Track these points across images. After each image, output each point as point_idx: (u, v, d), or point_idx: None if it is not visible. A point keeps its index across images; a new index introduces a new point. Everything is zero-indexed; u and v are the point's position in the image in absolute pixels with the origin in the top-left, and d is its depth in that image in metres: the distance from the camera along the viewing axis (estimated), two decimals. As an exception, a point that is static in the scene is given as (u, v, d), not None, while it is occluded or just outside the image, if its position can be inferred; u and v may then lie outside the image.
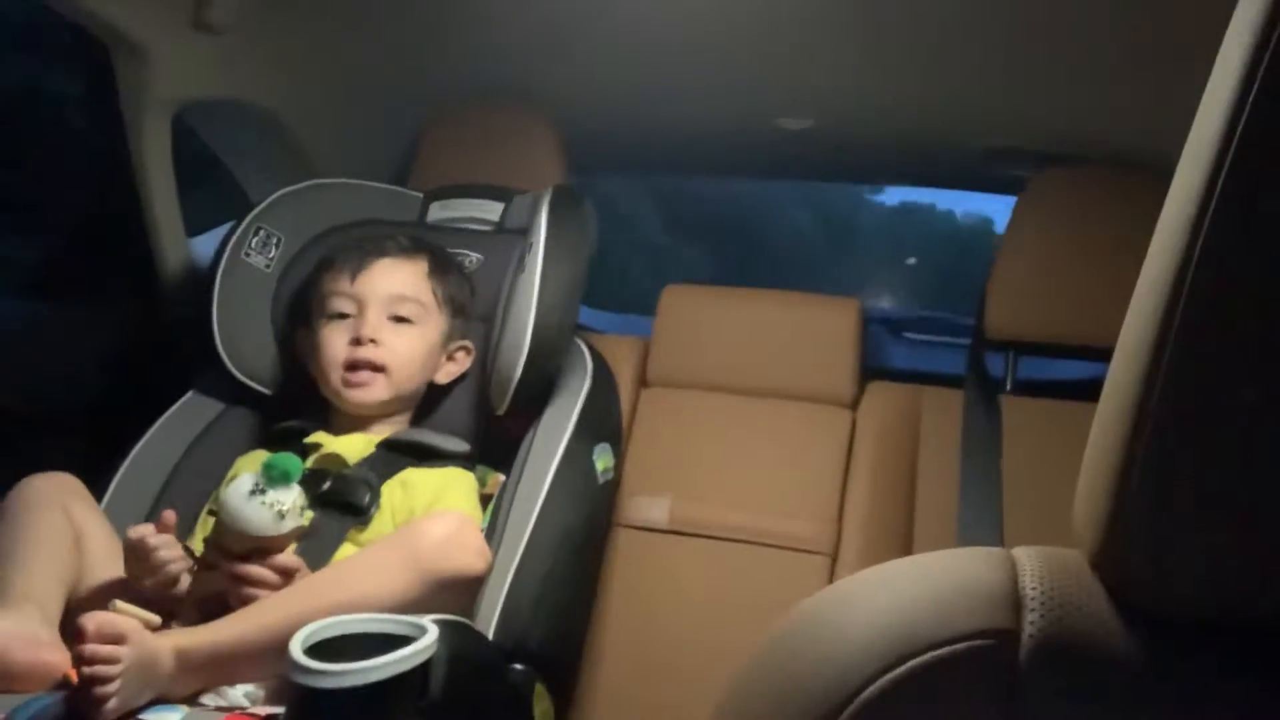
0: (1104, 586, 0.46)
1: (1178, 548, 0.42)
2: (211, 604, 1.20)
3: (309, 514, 1.24)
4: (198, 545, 1.29)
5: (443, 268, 1.54)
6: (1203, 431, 0.40)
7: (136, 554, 1.22)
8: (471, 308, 1.58)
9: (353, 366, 1.44)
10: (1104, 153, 1.86)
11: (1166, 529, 0.42)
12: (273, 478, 1.18)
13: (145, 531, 1.22)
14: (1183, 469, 0.41)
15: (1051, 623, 0.44)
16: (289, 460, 1.20)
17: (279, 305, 1.61)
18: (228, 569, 1.19)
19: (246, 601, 1.17)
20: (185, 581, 1.24)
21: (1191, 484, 0.41)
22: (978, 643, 0.44)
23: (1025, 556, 0.48)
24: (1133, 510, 0.42)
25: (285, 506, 1.18)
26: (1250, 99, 0.38)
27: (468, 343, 1.56)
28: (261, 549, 1.19)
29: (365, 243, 1.53)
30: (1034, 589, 0.46)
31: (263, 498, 1.18)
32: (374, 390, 1.44)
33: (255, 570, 1.19)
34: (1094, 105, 1.76)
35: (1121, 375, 0.43)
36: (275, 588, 1.19)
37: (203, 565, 1.22)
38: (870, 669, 0.44)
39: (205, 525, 1.39)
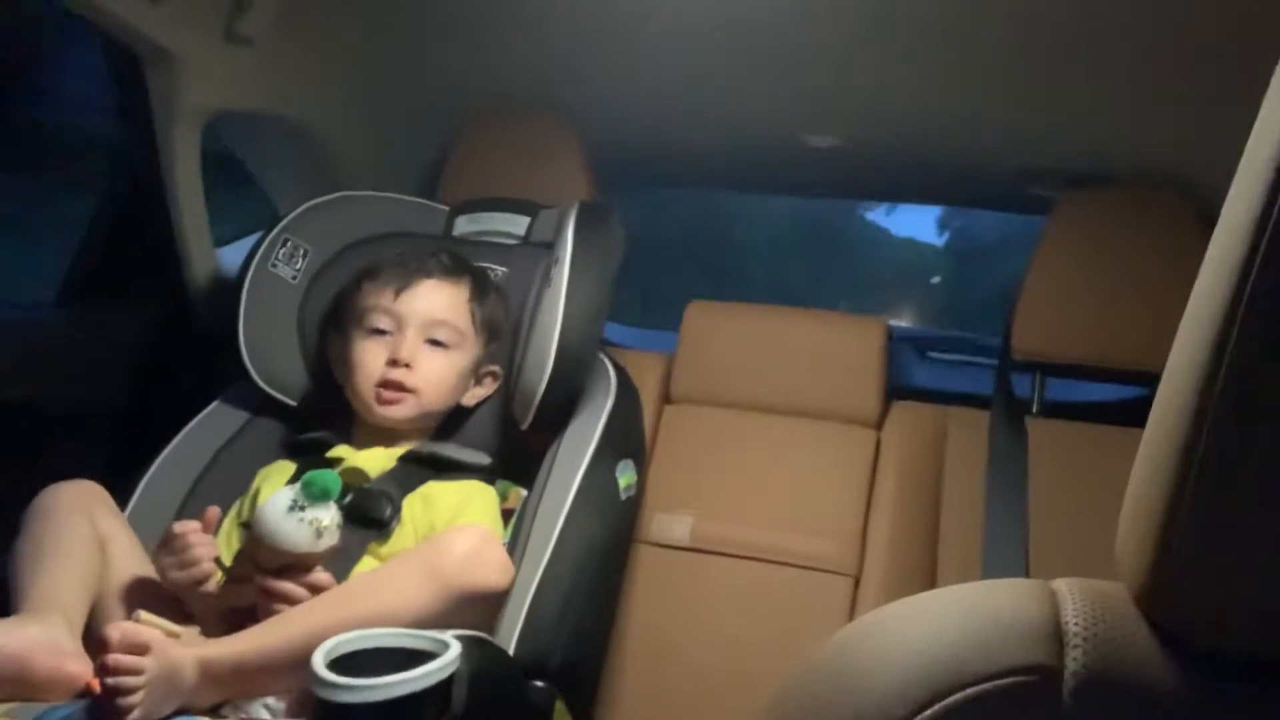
0: (1149, 622, 0.45)
1: (1229, 584, 0.41)
2: (237, 616, 1.20)
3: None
4: (224, 556, 1.29)
5: (483, 291, 1.54)
6: (1258, 465, 0.39)
7: (173, 547, 1.22)
8: (504, 330, 1.58)
9: (385, 385, 1.44)
10: (1135, 175, 1.84)
11: (1218, 565, 0.41)
12: (312, 495, 1.17)
13: (190, 527, 1.22)
14: (1236, 503, 0.40)
15: (1096, 660, 0.43)
16: (329, 477, 1.19)
17: (305, 317, 1.61)
18: (260, 583, 1.19)
19: (274, 616, 1.17)
20: (212, 584, 1.24)
21: (1245, 519, 0.40)
22: (1019, 679, 0.43)
23: (1066, 589, 0.47)
24: (1182, 545, 0.41)
25: (324, 524, 1.18)
26: None
27: (496, 367, 1.56)
28: (295, 565, 1.19)
29: (409, 259, 1.53)
30: (1077, 624, 0.45)
31: (301, 514, 1.17)
32: (404, 408, 1.44)
33: (289, 587, 1.18)
34: (1127, 128, 1.75)
35: (1169, 405, 0.43)
36: (302, 601, 1.19)
37: (233, 578, 1.21)
38: (908, 705, 0.43)
39: (229, 536, 1.39)
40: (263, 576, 1.19)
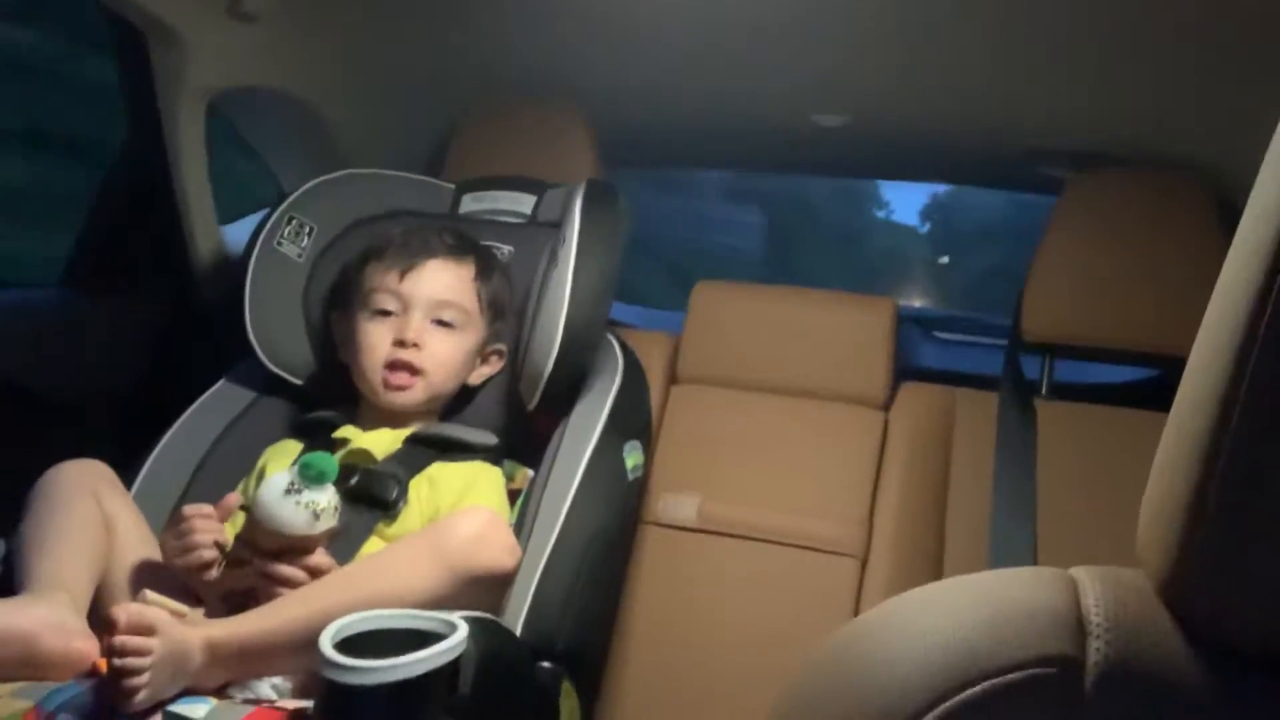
0: (1171, 613, 0.44)
1: (1254, 579, 0.40)
2: (239, 599, 1.20)
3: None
4: (229, 538, 1.29)
5: (488, 270, 1.54)
6: None
7: (179, 530, 1.22)
8: (510, 309, 1.57)
9: (393, 367, 1.44)
10: (1145, 156, 1.83)
11: (1245, 556, 0.40)
12: (309, 477, 1.17)
13: (200, 510, 1.22)
14: (1263, 497, 0.39)
15: (1117, 650, 0.43)
16: (325, 460, 1.19)
17: (311, 295, 1.60)
18: (259, 567, 1.19)
19: (275, 599, 1.17)
20: (214, 570, 1.23)
21: (1272, 513, 0.39)
22: (1040, 670, 0.42)
23: (1087, 578, 0.46)
24: (1207, 536, 0.41)
25: (320, 506, 1.17)
26: None
27: (502, 346, 1.56)
28: (293, 548, 1.19)
29: (413, 240, 1.52)
30: (1098, 614, 0.44)
31: (298, 497, 1.16)
32: (412, 394, 1.44)
33: (288, 570, 1.18)
34: (1138, 109, 1.73)
35: (1195, 392, 0.42)
36: (302, 585, 1.18)
37: (232, 561, 1.21)
38: (927, 696, 0.43)
39: (234, 518, 1.39)
40: (261, 560, 1.19)
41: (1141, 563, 0.45)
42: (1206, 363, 0.41)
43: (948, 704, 0.42)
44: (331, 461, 1.19)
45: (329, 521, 1.19)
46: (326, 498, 1.18)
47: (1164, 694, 0.42)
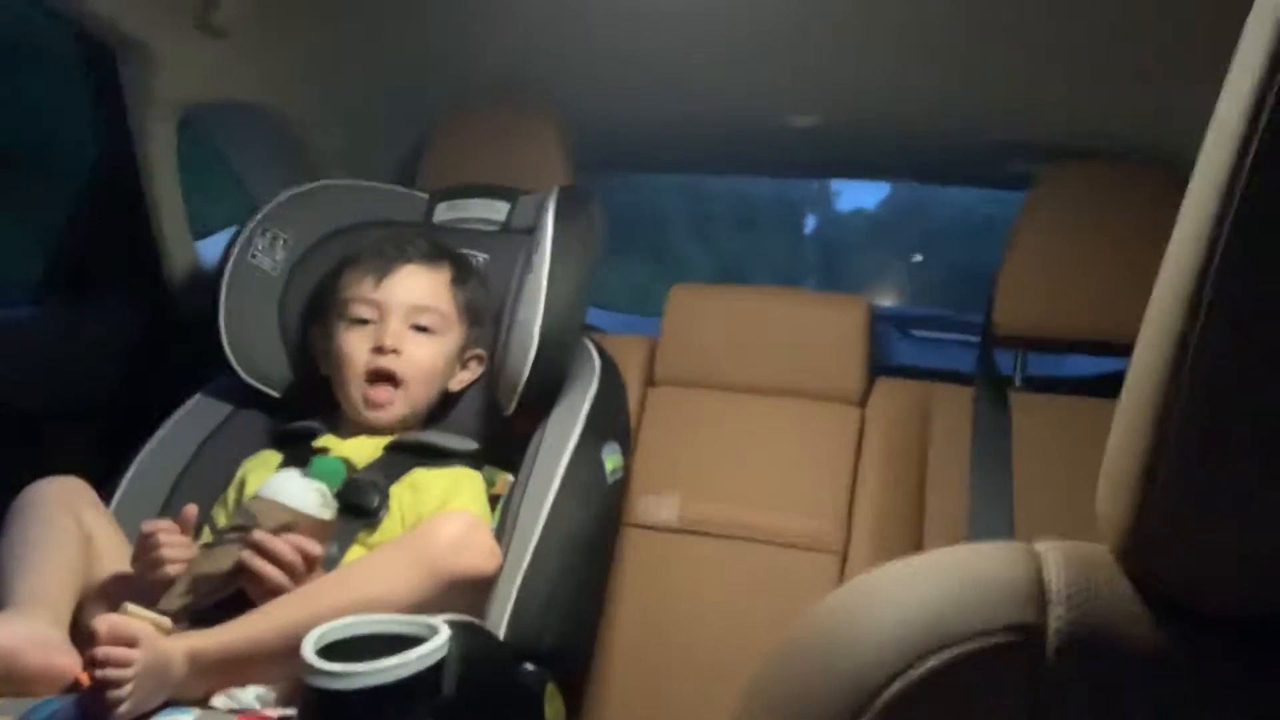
0: (1131, 581, 0.45)
1: (1208, 541, 0.42)
2: (218, 611, 1.19)
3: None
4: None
5: (464, 275, 1.54)
6: (1233, 422, 0.40)
7: (145, 546, 1.22)
8: (487, 314, 1.57)
9: (374, 378, 1.44)
10: (1114, 147, 1.85)
11: (1196, 522, 0.41)
12: (321, 473, 1.28)
13: (161, 526, 1.23)
14: (1212, 460, 0.40)
15: (1078, 618, 0.44)
16: (336, 462, 1.30)
17: (287, 308, 1.60)
18: (250, 537, 1.18)
19: (251, 576, 1.17)
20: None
21: (1222, 475, 0.40)
22: (1003, 638, 0.43)
23: (1049, 551, 0.47)
24: (1160, 503, 0.42)
25: (329, 495, 1.25)
26: (1274, 90, 0.38)
27: (481, 351, 1.56)
28: (290, 529, 1.20)
29: (387, 247, 1.52)
30: (1059, 583, 0.45)
31: (309, 482, 1.23)
32: (393, 410, 1.45)
33: (276, 541, 1.18)
34: (1104, 100, 1.75)
35: (1145, 365, 0.43)
36: (288, 567, 1.18)
37: (219, 539, 1.22)
38: (894, 665, 0.44)
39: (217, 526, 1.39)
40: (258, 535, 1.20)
41: (1102, 533, 0.47)
42: (1154, 336, 0.42)
43: (912, 672, 0.43)
44: (341, 466, 1.28)
45: (331, 512, 1.24)
46: (331, 494, 1.26)
47: (1124, 657, 0.43)
